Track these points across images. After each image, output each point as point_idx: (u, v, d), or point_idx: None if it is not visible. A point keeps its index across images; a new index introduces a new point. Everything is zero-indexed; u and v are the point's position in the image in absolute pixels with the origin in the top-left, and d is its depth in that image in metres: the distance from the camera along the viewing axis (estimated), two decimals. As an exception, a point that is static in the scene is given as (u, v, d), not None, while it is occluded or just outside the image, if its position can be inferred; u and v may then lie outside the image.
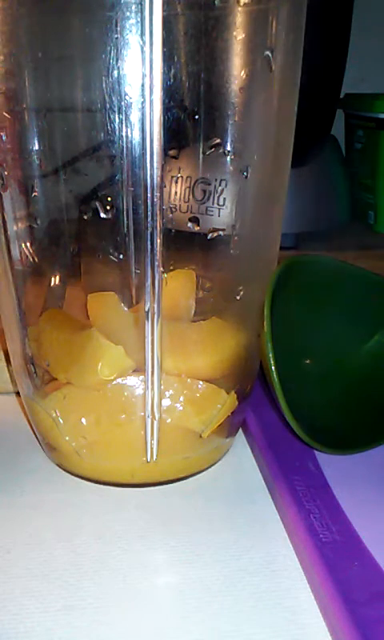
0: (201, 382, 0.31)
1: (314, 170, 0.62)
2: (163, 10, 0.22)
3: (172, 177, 0.31)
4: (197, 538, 0.27)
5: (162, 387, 0.29)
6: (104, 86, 0.26)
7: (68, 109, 0.28)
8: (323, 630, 0.23)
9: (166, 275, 0.29)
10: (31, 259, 0.30)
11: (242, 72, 0.28)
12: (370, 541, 0.25)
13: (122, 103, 0.26)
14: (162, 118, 0.23)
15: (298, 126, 0.30)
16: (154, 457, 0.29)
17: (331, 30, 0.57)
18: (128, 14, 0.24)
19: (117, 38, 0.25)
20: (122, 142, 0.27)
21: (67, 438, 0.30)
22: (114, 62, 0.25)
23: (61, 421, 0.30)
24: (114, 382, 0.30)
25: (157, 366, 0.27)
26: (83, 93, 0.28)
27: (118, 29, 0.25)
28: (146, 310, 0.26)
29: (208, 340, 0.31)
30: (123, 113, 0.26)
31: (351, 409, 0.35)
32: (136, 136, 0.26)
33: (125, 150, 0.27)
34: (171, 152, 0.29)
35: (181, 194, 0.31)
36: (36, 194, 0.29)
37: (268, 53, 0.27)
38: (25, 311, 0.32)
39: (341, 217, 0.66)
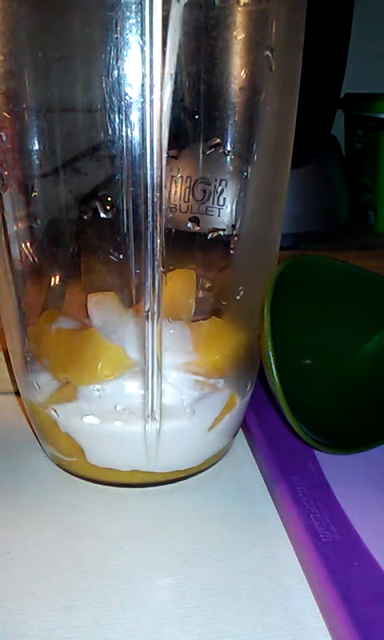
0: (201, 383, 0.31)
1: (313, 170, 0.62)
2: (163, 10, 0.22)
3: (172, 177, 0.31)
4: (197, 538, 0.27)
5: (162, 387, 0.29)
6: (104, 85, 0.26)
7: (68, 109, 0.28)
8: (323, 629, 0.23)
9: (166, 274, 0.29)
10: (31, 259, 0.30)
11: (242, 72, 0.28)
12: (370, 541, 0.25)
13: (122, 103, 0.26)
14: (161, 117, 0.23)
15: (298, 125, 0.30)
16: (154, 456, 0.29)
17: (331, 30, 0.57)
18: (128, 13, 0.24)
19: (117, 38, 0.25)
20: (122, 141, 0.27)
21: (67, 438, 0.30)
22: (114, 62, 0.25)
23: (61, 421, 0.30)
24: (114, 382, 0.30)
25: (157, 365, 0.27)
26: (83, 93, 0.28)
27: (118, 29, 0.25)
28: (146, 310, 0.26)
29: (208, 339, 0.31)
30: (123, 113, 0.26)
31: (351, 409, 0.35)
32: (136, 136, 0.26)
33: (125, 150, 0.27)
34: (171, 152, 0.29)
35: (181, 194, 0.31)
36: (36, 194, 0.29)
37: (268, 53, 0.27)
38: (25, 311, 0.32)
39: (341, 217, 0.66)
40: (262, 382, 0.32)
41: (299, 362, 0.36)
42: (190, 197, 0.31)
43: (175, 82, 0.26)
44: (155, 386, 0.28)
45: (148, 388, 0.28)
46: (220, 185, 0.30)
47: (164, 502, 0.30)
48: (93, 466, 0.30)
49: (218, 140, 0.29)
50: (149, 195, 0.24)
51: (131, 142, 0.27)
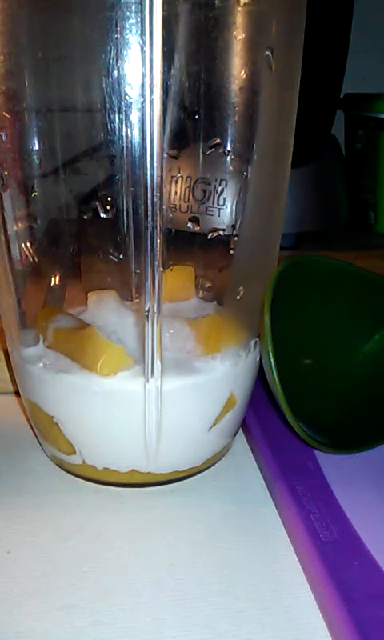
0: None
1: (313, 169, 0.62)
2: (163, 10, 0.22)
3: (172, 177, 0.31)
4: (197, 538, 0.27)
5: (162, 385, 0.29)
6: (104, 85, 0.26)
7: (68, 109, 0.28)
8: (323, 629, 0.23)
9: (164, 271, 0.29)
10: (31, 259, 0.30)
11: (242, 72, 0.28)
12: (370, 541, 0.25)
13: (122, 103, 0.26)
14: (161, 117, 0.23)
15: (298, 125, 0.30)
16: (155, 457, 0.29)
17: (331, 30, 0.57)
18: (128, 13, 0.24)
19: (117, 38, 0.25)
20: (122, 141, 0.27)
21: (67, 438, 0.30)
22: (114, 62, 0.25)
23: (61, 421, 0.30)
24: (114, 382, 0.30)
25: (157, 364, 0.27)
26: (83, 93, 0.28)
27: (118, 29, 0.25)
28: (146, 309, 0.26)
29: (208, 337, 0.31)
30: (123, 113, 0.26)
31: (351, 408, 0.35)
32: (136, 136, 0.26)
33: (125, 150, 0.27)
34: (171, 152, 0.29)
35: (181, 194, 0.31)
36: (36, 194, 0.29)
37: (268, 53, 0.27)
38: (25, 311, 0.32)
39: (341, 217, 0.66)
40: (262, 382, 0.32)
41: (299, 362, 0.36)
42: (190, 197, 0.31)
43: (175, 82, 0.26)
44: (155, 384, 0.28)
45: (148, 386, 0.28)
46: (220, 185, 0.30)
47: (164, 502, 0.30)
48: (93, 466, 0.30)
49: (218, 140, 0.29)
50: (149, 195, 0.24)
51: (131, 142, 0.27)
